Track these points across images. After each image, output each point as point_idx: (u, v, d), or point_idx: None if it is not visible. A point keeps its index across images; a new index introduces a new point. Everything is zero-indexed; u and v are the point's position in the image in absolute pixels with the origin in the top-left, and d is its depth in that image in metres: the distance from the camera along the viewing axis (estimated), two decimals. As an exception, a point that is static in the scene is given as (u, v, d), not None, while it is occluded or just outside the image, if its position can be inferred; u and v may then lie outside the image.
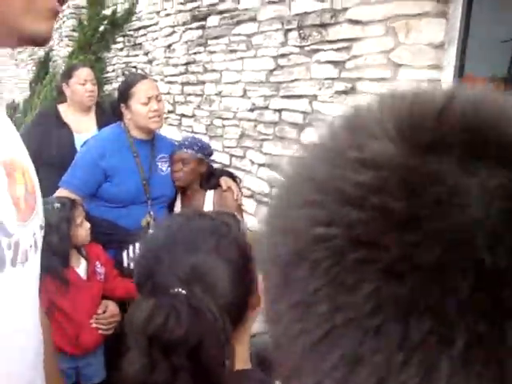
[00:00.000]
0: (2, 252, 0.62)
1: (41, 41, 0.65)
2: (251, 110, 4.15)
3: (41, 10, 0.62)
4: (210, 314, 0.65)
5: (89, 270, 2.12)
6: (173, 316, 0.64)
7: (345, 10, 3.20)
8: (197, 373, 0.64)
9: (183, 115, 5.20)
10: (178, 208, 2.57)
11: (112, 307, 2.16)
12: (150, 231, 2.38)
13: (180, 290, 0.68)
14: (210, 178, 2.56)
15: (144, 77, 2.49)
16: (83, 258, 2.12)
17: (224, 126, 4.52)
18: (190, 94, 5.06)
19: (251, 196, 4.03)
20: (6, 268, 0.63)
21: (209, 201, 2.54)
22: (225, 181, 2.56)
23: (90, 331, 2.07)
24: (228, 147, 4.44)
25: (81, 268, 2.11)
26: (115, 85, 6.66)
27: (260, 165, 4.11)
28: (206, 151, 2.52)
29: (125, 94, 2.34)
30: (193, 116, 5.03)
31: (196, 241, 0.74)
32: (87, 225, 2.09)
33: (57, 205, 2.00)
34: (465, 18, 2.70)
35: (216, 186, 2.54)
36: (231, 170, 3.53)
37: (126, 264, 2.38)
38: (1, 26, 0.60)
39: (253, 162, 4.20)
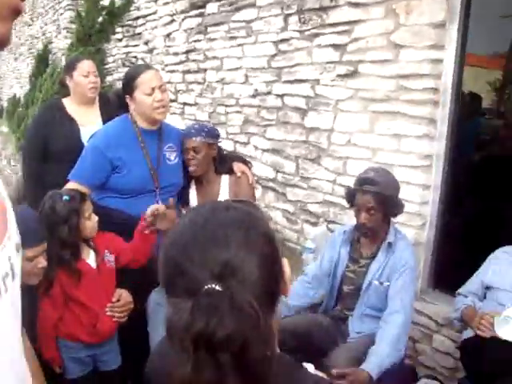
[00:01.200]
0: None
1: None
2: (253, 96, 4.16)
3: (0, 8, 0.54)
4: (251, 309, 0.65)
5: (98, 259, 2.15)
6: (215, 316, 0.63)
7: (345, -8, 3.20)
8: (243, 368, 0.64)
9: (185, 103, 5.21)
10: (193, 195, 2.59)
11: (125, 295, 2.21)
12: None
13: (214, 286, 0.66)
14: (223, 161, 2.56)
15: (148, 67, 2.48)
16: (91, 249, 2.16)
17: (227, 113, 4.53)
18: (191, 82, 5.07)
19: (256, 181, 4.05)
20: None
21: (224, 186, 2.55)
22: (237, 166, 2.56)
23: (105, 319, 2.12)
24: (232, 134, 4.46)
25: (90, 259, 2.15)
26: (116, 75, 6.66)
27: (264, 150, 4.13)
28: (214, 134, 2.52)
29: (129, 85, 2.34)
30: (195, 104, 5.04)
31: (225, 235, 0.73)
32: (95, 218, 2.11)
33: (66, 197, 2.03)
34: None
35: (230, 170, 2.54)
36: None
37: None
38: None
39: (257, 148, 4.22)
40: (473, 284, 2.44)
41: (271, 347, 0.69)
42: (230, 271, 0.68)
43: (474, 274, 2.47)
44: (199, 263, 0.70)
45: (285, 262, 0.80)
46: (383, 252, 2.33)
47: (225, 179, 2.56)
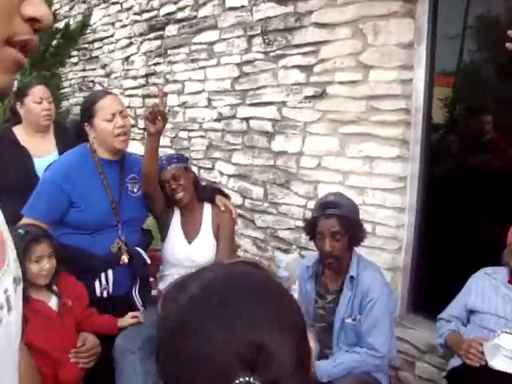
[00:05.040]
0: None
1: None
2: (217, 120, 4.05)
3: (3, 60, 0.54)
4: None
5: (60, 303, 1.98)
6: None
7: (309, 13, 3.14)
8: None
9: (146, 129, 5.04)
10: (176, 223, 2.48)
11: (91, 339, 2.03)
12: (124, 257, 2.25)
13: (248, 379, 0.52)
14: (202, 187, 2.56)
15: (107, 92, 2.37)
16: (53, 293, 1.99)
17: (190, 138, 4.40)
18: (151, 107, 4.92)
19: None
20: None
21: (207, 216, 2.48)
22: (220, 199, 2.51)
23: (69, 367, 1.92)
24: (195, 159, 4.31)
25: (52, 302, 1.98)
26: (72, 100, 6.46)
27: (230, 176, 4.00)
28: (184, 159, 2.50)
29: (88, 111, 2.20)
30: (156, 129, 4.89)
31: (255, 310, 0.58)
32: (45, 265, 1.91)
33: (21, 231, 1.88)
34: (432, 15, 2.66)
35: (211, 200, 2.50)
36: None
37: (98, 293, 2.23)
38: None
39: (222, 173, 4.09)
40: (455, 308, 2.35)
41: None
42: (264, 358, 0.54)
43: (456, 298, 2.38)
44: (223, 346, 0.55)
45: (310, 336, 0.65)
46: (348, 286, 2.20)
47: (207, 209, 2.49)
